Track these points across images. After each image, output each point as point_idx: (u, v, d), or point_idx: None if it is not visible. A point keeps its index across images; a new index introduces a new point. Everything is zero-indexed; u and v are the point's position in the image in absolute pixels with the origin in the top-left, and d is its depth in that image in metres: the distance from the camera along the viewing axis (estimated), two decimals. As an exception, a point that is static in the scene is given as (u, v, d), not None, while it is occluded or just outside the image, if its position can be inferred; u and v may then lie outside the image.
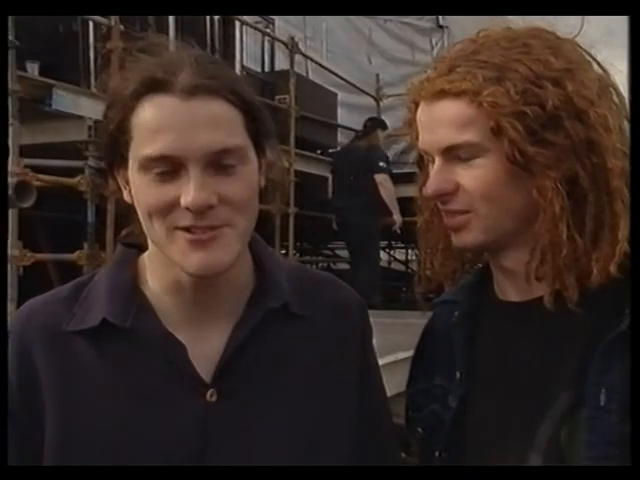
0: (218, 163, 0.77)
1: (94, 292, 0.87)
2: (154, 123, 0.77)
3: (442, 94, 0.84)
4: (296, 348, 0.88)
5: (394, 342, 3.27)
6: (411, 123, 0.92)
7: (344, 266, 9.86)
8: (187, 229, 0.77)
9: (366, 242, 5.89)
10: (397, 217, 5.66)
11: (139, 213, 0.81)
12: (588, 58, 0.86)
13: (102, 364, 0.83)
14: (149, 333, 0.83)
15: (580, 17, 0.91)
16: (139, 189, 0.79)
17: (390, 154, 8.40)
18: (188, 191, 0.75)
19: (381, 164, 5.86)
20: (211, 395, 0.82)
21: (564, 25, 0.88)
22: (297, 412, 0.86)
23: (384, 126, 6.35)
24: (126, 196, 0.83)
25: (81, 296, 0.87)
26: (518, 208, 0.85)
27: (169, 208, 0.77)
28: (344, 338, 0.92)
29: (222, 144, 0.77)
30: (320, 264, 9.70)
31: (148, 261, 0.87)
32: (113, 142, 0.81)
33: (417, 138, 0.91)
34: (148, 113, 0.77)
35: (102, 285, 0.87)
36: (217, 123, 0.77)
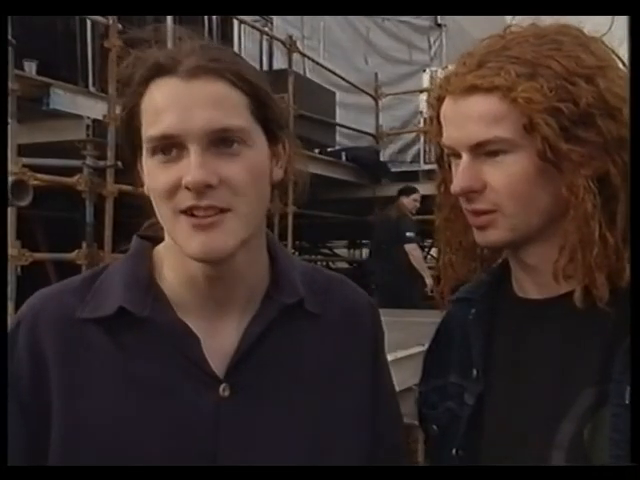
0: (219, 144, 0.77)
1: (108, 282, 0.86)
2: (158, 105, 0.78)
3: (472, 89, 0.83)
4: (310, 345, 0.88)
5: (394, 340, 3.27)
6: (432, 119, 0.91)
7: (343, 265, 9.86)
8: (190, 213, 0.77)
9: (404, 300, 6.21)
10: (428, 280, 6.06)
11: (152, 200, 0.81)
12: (614, 56, 0.86)
13: (115, 353, 0.82)
14: (165, 324, 0.83)
15: (607, 16, 0.90)
16: (149, 174, 0.80)
17: (387, 153, 8.44)
18: (188, 170, 0.76)
19: (408, 234, 6.29)
20: (224, 390, 0.82)
21: (591, 24, 0.87)
22: (309, 409, 0.85)
23: (408, 192, 6.63)
24: (146, 190, 0.83)
25: (94, 286, 0.86)
26: (545, 206, 0.84)
27: (173, 190, 0.77)
28: (357, 337, 0.92)
29: (221, 123, 0.77)
30: (319, 263, 9.70)
31: (164, 253, 0.87)
32: (127, 130, 0.82)
33: (438, 134, 0.90)
34: (153, 96, 0.79)
35: (118, 275, 0.86)
36: (217, 103, 0.77)
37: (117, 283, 0.85)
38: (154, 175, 0.79)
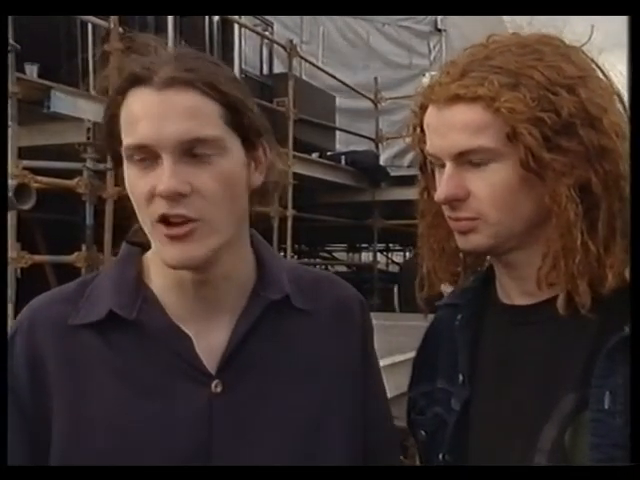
0: (192, 153, 0.79)
1: (99, 287, 0.89)
2: (133, 114, 0.80)
3: (456, 98, 0.84)
4: (298, 340, 0.90)
5: (392, 344, 3.28)
6: (415, 127, 0.92)
7: (342, 268, 9.86)
8: (165, 222, 0.79)
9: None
10: None
11: (134, 204, 0.83)
12: (594, 66, 0.87)
13: (108, 356, 0.84)
14: (155, 325, 0.85)
15: (588, 24, 0.91)
16: (128, 180, 0.82)
17: (384, 157, 8.45)
18: (161, 179, 0.78)
19: None
20: (216, 386, 0.84)
21: (570, 33, 0.88)
22: (300, 403, 0.87)
23: None
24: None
25: (86, 292, 0.89)
26: (528, 214, 0.85)
27: (150, 197, 0.79)
28: (345, 333, 0.94)
29: (193, 134, 0.78)
30: (318, 266, 9.71)
31: (151, 258, 0.89)
32: (109, 136, 0.84)
33: (421, 142, 0.91)
34: (130, 106, 0.81)
35: (107, 280, 0.89)
36: (189, 113, 0.79)
37: (106, 288, 0.88)
38: (133, 182, 0.81)
